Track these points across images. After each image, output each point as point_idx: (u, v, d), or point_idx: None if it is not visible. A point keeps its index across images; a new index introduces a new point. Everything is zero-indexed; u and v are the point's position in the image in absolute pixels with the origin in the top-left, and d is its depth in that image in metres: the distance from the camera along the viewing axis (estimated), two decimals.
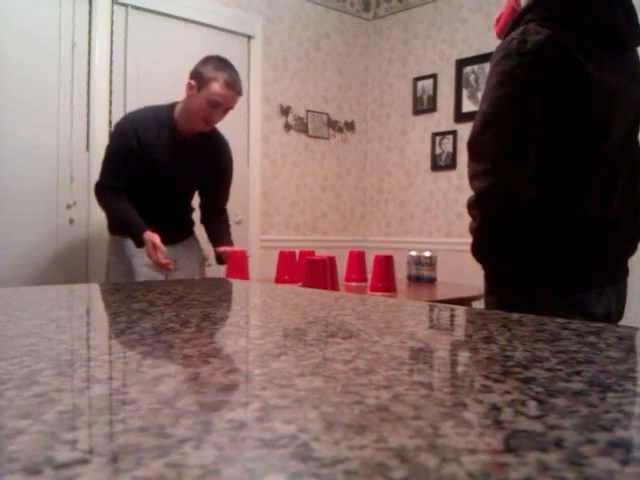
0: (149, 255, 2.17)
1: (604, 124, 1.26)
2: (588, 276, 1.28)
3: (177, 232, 2.43)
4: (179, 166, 2.29)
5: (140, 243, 2.19)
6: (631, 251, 1.41)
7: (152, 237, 2.16)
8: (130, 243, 2.26)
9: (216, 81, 2.19)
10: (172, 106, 2.29)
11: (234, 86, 2.24)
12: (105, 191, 2.26)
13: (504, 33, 1.35)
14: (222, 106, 2.22)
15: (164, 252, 2.21)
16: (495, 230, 1.27)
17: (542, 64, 1.20)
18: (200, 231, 2.54)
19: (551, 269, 1.27)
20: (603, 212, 1.28)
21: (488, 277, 1.36)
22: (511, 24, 1.34)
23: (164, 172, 2.26)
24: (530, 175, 1.24)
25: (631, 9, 1.32)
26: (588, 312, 1.27)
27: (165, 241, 2.25)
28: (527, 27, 1.24)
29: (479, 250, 1.31)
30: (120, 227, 2.29)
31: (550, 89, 1.21)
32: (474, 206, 1.29)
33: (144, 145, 2.21)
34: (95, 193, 2.29)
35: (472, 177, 1.28)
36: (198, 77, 2.21)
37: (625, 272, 1.41)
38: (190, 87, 2.21)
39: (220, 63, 2.24)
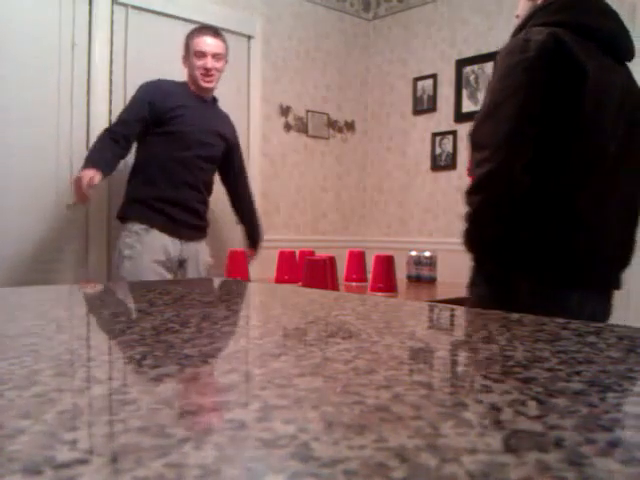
0: (76, 184, 2.25)
1: (598, 121, 1.28)
2: (573, 275, 1.28)
3: (194, 218, 2.51)
4: (202, 120, 2.49)
5: (86, 165, 2.28)
6: (623, 263, 1.40)
7: (93, 174, 2.24)
8: (146, 239, 2.35)
9: (194, 35, 2.51)
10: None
11: (208, 30, 2.52)
12: (103, 134, 2.38)
13: (510, 36, 1.39)
14: (208, 53, 2.46)
15: (172, 251, 2.40)
16: (488, 216, 1.29)
17: (544, 59, 1.25)
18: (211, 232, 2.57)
19: (537, 264, 1.28)
20: (596, 215, 1.29)
21: (474, 268, 1.37)
22: (515, 31, 1.40)
23: (190, 125, 2.43)
24: (527, 166, 1.26)
25: (623, 25, 1.39)
26: (570, 312, 1.25)
27: (180, 232, 2.42)
28: (531, 29, 1.30)
29: (469, 237, 1.33)
30: (88, 155, 2.34)
31: (550, 84, 1.25)
32: (471, 192, 1.31)
33: (167, 99, 2.42)
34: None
35: (473, 165, 1.32)
36: (184, 45, 2.54)
37: (615, 283, 1.39)
38: (184, 58, 2.54)
39: (196, 27, 2.59)
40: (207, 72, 2.45)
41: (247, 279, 2.38)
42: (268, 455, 0.26)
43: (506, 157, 1.26)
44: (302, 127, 4.00)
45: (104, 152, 2.32)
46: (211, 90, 2.55)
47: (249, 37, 3.66)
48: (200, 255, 2.57)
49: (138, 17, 3.07)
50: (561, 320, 0.66)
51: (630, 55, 1.41)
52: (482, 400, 0.34)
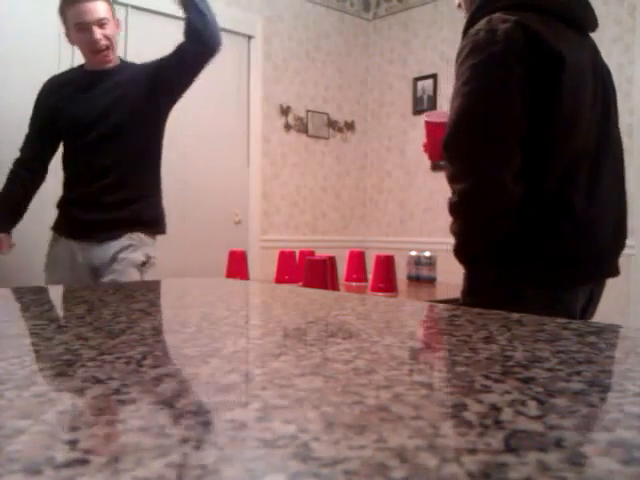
0: None
1: (577, 106, 1.20)
2: (576, 273, 1.22)
3: (99, 213, 2.03)
4: (94, 98, 2.03)
5: None
6: (619, 248, 1.34)
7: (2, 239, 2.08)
8: (56, 248, 2.09)
9: (68, 5, 2.02)
10: None
11: None
12: (13, 164, 2.16)
13: (463, 30, 1.28)
14: (90, 22, 1.97)
15: (82, 258, 2.04)
16: (479, 235, 1.20)
17: (515, 51, 1.14)
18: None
19: (538, 268, 1.20)
20: (590, 207, 1.22)
21: (470, 277, 1.28)
22: (469, 19, 1.27)
23: (77, 111, 2.03)
24: (520, 172, 1.16)
25: None
26: (572, 311, 1.21)
27: (81, 233, 2.04)
28: (491, 17, 1.18)
29: (461, 253, 1.24)
30: None
31: (526, 78, 1.15)
32: (455, 210, 1.22)
33: (53, 97, 2.08)
34: None
35: (450, 179, 1.21)
36: (62, 20, 2.07)
37: (614, 270, 1.33)
38: (66, 35, 2.08)
39: None
40: (96, 45, 1.99)
41: (247, 279, 2.38)
42: (268, 455, 0.26)
43: (490, 170, 1.15)
44: (302, 127, 4.00)
45: (5, 206, 2.14)
46: (111, 63, 2.09)
47: (249, 37, 3.66)
48: (121, 254, 2.03)
49: (138, 17, 3.07)
50: (561, 320, 0.66)
51: (593, 26, 1.31)
52: (482, 400, 0.34)
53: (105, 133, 2.02)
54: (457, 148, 1.20)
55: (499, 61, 1.14)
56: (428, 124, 1.45)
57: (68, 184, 2.11)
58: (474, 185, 1.16)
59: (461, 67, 1.19)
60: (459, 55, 1.21)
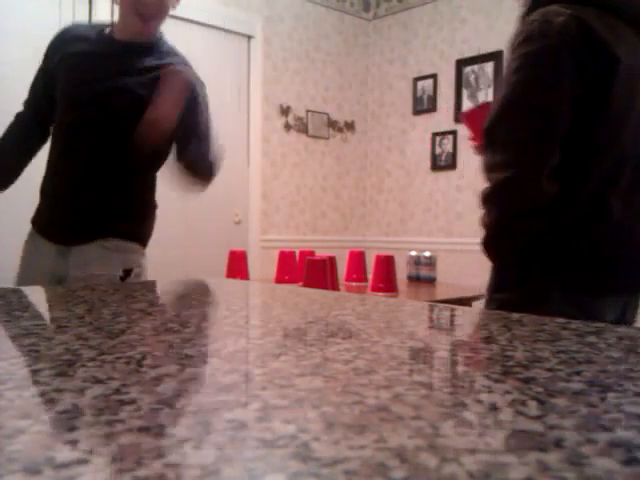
0: None
1: (628, 108, 1.17)
2: (607, 281, 1.19)
3: (71, 214, 1.63)
4: (103, 71, 1.60)
5: None
6: None
7: None
8: (29, 246, 1.71)
9: None
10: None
11: None
12: (13, 120, 1.80)
13: (521, 17, 1.25)
14: None
15: (53, 263, 1.63)
16: (511, 228, 1.17)
17: (568, 46, 1.12)
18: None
19: (565, 271, 1.18)
20: (629, 211, 1.19)
21: (497, 274, 1.26)
22: (527, 8, 1.24)
23: (74, 79, 1.62)
24: (555, 170, 1.13)
25: None
26: (599, 321, 1.19)
27: (55, 235, 1.64)
28: (547, 9, 1.16)
29: (491, 247, 1.21)
30: None
31: (577, 74, 1.12)
32: (489, 200, 1.18)
33: (59, 51, 1.66)
34: None
35: (488, 168, 1.18)
36: None
37: None
38: None
39: None
40: (144, 7, 1.58)
41: (247, 279, 2.38)
42: (268, 455, 0.26)
43: (531, 163, 1.12)
44: (302, 127, 4.00)
45: None
46: (148, 37, 1.68)
47: (249, 37, 3.66)
48: (94, 269, 1.60)
49: None
50: (561, 320, 0.66)
51: None
52: (482, 400, 0.34)
53: (91, 115, 1.61)
54: (499, 137, 1.17)
55: (551, 54, 1.12)
56: (469, 113, 1.41)
57: (47, 166, 1.70)
58: (513, 177, 1.13)
59: (513, 54, 1.17)
60: (513, 41, 1.19)
